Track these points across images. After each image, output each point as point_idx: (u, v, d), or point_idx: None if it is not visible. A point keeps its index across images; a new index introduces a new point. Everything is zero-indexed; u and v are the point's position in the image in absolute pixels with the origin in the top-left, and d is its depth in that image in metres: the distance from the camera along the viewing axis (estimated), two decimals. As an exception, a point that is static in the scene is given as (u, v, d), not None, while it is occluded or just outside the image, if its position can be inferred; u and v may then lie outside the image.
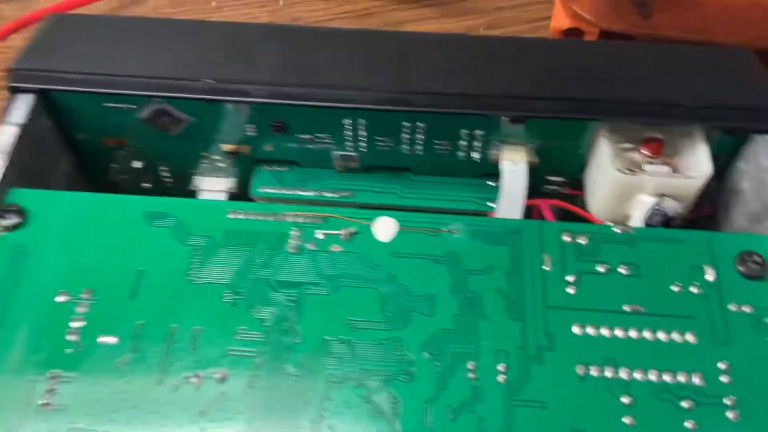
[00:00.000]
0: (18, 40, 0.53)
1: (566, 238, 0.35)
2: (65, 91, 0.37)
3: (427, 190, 0.42)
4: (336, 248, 0.33)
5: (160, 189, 0.43)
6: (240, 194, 0.40)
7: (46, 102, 0.37)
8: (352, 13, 0.60)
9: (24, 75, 0.38)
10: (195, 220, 0.34)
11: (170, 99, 0.36)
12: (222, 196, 0.42)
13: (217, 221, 0.33)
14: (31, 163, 0.36)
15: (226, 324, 0.32)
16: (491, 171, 0.42)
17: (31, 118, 0.37)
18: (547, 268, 0.34)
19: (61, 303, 0.33)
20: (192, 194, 0.43)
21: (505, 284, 0.33)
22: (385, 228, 0.35)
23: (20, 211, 0.35)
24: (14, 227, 0.34)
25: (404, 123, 0.39)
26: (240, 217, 0.34)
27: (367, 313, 0.33)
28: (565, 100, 0.38)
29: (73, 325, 0.32)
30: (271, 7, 0.60)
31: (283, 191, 0.42)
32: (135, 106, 0.37)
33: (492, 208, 0.41)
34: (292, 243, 0.35)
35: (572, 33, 0.57)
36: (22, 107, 0.37)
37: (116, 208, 0.35)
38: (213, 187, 0.42)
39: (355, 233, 0.35)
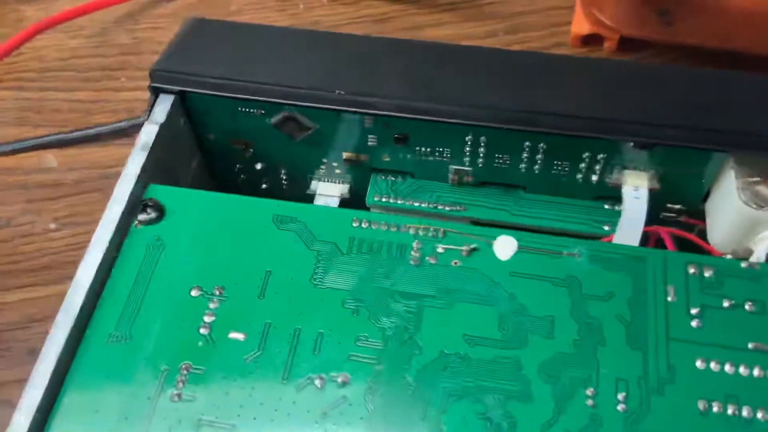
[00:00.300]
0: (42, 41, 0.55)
1: (692, 270, 0.34)
2: (203, 94, 0.38)
3: (541, 209, 0.42)
4: (456, 263, 0.34)
5: (276, 190, 0.45)
6: (352, 200, 0.42)
7: (183, 103, 0.39)
8: (370, 17, 0.59)
9: (165, 76, 0.39)
10: (321, 226, 0.35)
11: (302, 108, 0.37)
12: (335, 201, 0.42)
13: (341, 228, 0.34)
14: (167, 160, 0.38)
15: (348, 330, 0.33)
16: (608, 194, 0.41)
17: (170, 117, 0.38)
18: (671, 299, 0.33)
19: (195, 297, 0.34)
20: (306, 197, 0.44)
21: (626, 312, 0.33)
22: (505, 247, 0.36)
23: (159, 207, 0.36)
24: (153, 221, 0.36)
25: (526, 143, 0.39)
26: (363, 226, 0.35)
27: (485, 330, 0.33)
28: (694, 129, 0.37)
29: (206, 319, 0.34)
30: (291, 11, 0.60)
31: (398, 201, 0.43)
32: (264, 111, 0.39)
33: (607, 231, 0.41)
34: (414, 255, 0.35)
35: (592, 39, 0.56)
36: (162, 107, 0.39)
37: (247, 210, 0.37)
38: (328, 191, 0.43)
39: (475, 250, 0.35)
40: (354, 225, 0.36)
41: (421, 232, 0.36)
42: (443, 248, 0.35)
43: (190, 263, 0.35)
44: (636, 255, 0.35)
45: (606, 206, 0.41)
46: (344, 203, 0.42)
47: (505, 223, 0.42)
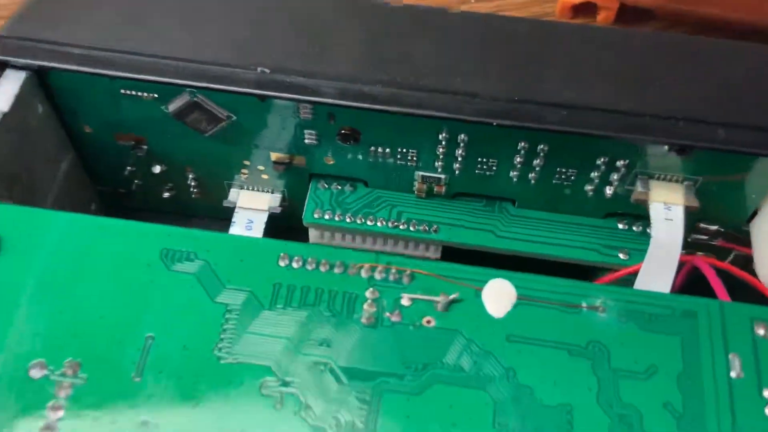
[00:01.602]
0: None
1: (760, 332, 0.24)
2: (69, 70, 0.28)
3: (535, 229, 0.32)
4: (429, 322, 0.23)
5: (183, 201, 0.36)
6: (285, 216, 0.34)
7: (42, 83, 0.29)
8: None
9: (14, 46, 0.28)
10: (232, 265, 0.24)
11: (209, 91, 0.28)
12: (262, 217, 0.34)
13: (262, 269, 0.24)
14: (17, 163, 0.26)
15: (267, 430, 0.22)
16: (623, 210, 0.32)
17: (21, 103, 0.28)
18: (735, 375, 0.23)
19: (36, 380, 0.23)
20: (224, 211, 0.34)
21: (675, 396, 0.23)
22: (499, 296, 0.25)
23: (-12, 239, 0.25)
24: (-22, 261, 0.24)
25: (521, 143, 0.28)
26: (295, 265, 0.24)
27: (475, 428, 0.22)
28: (748, 128, 0.27)
29: (50, 415, 0.22)
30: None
31: (346, 219, 0.32)
32: (158, 95, 0.30)
33: (623, 261, 0.31)
34: (367, 310, 0.24)
35: (584, 8, 0.46)
36: (9, 88, 0.27)
37: (124, 240, 0.25)
38: (251, 203, 0.34)
39: (457, 301, 0.25)
40: (281, 264, 0.25)
41: (377, 275, 0.25)
42: (409, 299, 0.25)
43: (32, 325, 0.23)
44: (683, 310, 0.24)
45: (620, 225, 0.32)
46: (275, 220, 0.34)
47: (487, 248, 0.32)
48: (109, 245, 0.25)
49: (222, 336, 0.24)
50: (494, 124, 0.27)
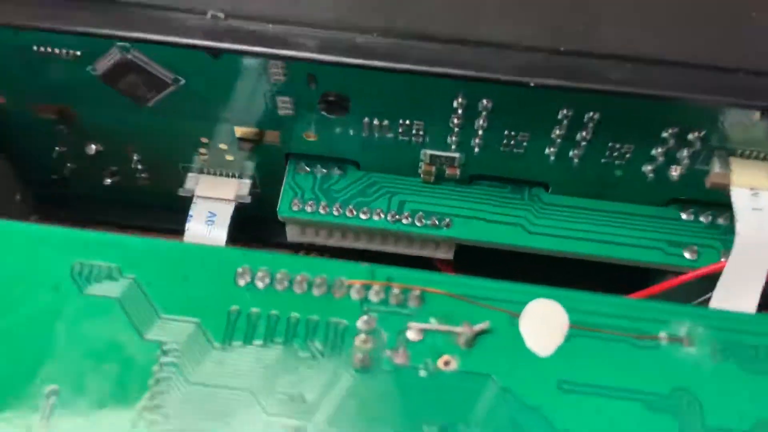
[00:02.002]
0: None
1: None
2: None
3: (575, 222, 0.26)
4: (448, 364, 0.16)
5: (130, 189, 0.30)
6: (256, 206, 0.28)
7: None
8: None
9: None
10: (171, 284, 0.17)
11: (144, 44, 0.22)
12: (227, 208, 0.28)
13: (214, 291, 0.17)
14: None
15: None
16: (690, 197, 0.26)
17: None
18: None
19: None
20: (179, 202, 0.28)
21: (800, 470, 0.16)
22: (544, 324, 0.18)
23: None
24: None
25: (564, 110, 0.21)
26: (259, 285, 0.17)
27: None
28: None
29: None
30: None
31: (333, 211, 0.25)
32: (81, 52, 0.23)
33: (688, 262, 0.25)
34: (360, 348, 0.17)
35: None
36: None
37: (21, 252, 0.18)
38: (214, 192, 0.28)
39: (486, 333, 0.18)
40: (240, 283, 0.18)
41: (373, 296, 0.18)
42: (419, 331, 0.18)
43: None
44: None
45: (684, 216, 0.26)
46: (244, 212, 0.28)
47: (514, 247, 0.26)
48: (1, 258, 0.18)
49: (154, 389, 0.17)
50: (531, 84, 0.20)
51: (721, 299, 0.22)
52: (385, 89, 0.23)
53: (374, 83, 0.23)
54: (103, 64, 0.23)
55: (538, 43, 0.21)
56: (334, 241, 0.27)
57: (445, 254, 0.27)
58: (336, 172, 0.27)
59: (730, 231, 0.24)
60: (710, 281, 0.24)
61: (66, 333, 0.18)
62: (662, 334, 0.18)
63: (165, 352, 0.17)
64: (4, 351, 0.17)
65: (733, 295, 0.22)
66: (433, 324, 0.18)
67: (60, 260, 0.18)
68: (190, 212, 0.28)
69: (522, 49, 0.21)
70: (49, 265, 0.18)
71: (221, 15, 0.22)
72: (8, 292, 0.18)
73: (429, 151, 0.25)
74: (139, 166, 0.28)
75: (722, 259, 0.24)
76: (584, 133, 0.23)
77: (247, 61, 0.23)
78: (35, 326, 0.18)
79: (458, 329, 0.18)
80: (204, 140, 0.27)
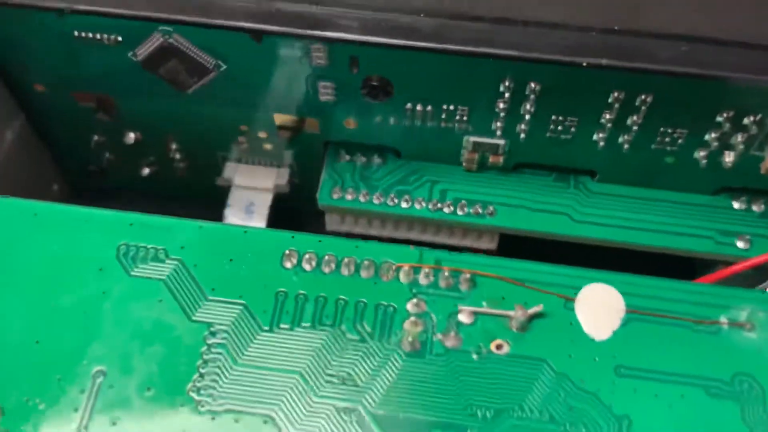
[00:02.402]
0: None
1: None
2: (6, 4, 0.22)
3: (622, 211, 0.25)
4: (501, 347, 0.16)
5: (168, 180, 0.29)
6: (294, 196, 0.28)
7: None
8: None
9: None
10: (217, 267, 0.17)
11: (187, 26, 0.22)
12: (266, 198, 0.28)
13: (261, 273, 0.16)
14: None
15: None
16: (742, 185, 0.25)
17: None
18: None
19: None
20: (219, 191, 0.28)
21: None
22: (601, 308, 0.17)
23: None
24: None
25: (616, 92, 0.21)
26: (306, 267, 0.16)
27: (572, 505, 0.15)
28: None
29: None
30: None
31: (373, 199, 0.25)
32: (123, 37, 0.23)
33: (741, 251, 0.24)
34: (410, 331, 0.17)
35: None
36: None
37: (67, 234, 0.18)
38: (252, 181, 0.28)
39: (540, 316, 0.17)
40: (287, 265, 0.18)
41: (423, 279, 0.18)
42: (470, 314, 0.17)
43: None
44: None
45: (735, 205, 0.26)
46: (282, 202, 0.28)
47: (560, 236, 0.25)
48: (46, 242, 0.18)
49: (202, 371, 0.17)
50: (584, 65, 0.20)
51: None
52: (430, 72, 0.22)
53: (418, 66, 0.22)
54: (145, 50, 0.23)
55: (589, 22, 0.21)
56: (374, 231, 0.27)
57: (489, 244, 0.27)
58: (376, 160, 0.27)
59: (783, 220, 0.23)
60: (765, 272, 0.23)
61: (113, 314, 0.17)
62: (723, 319, 0.17)
63: (213, 334, 0.17)
64: (51, 332, 0.17)
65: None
66: (485, 308, 0.18)
67: (106, 242, 0.18)
68: (228, 201, 0.28)
69: (572, 29, 0.20)
70: (95, 247, 0.18)
71: (266, -3, 0.22)
72: (55, 274, 0.18)
73: (472, 138, 0.25)
74: (178, 156, 0.28)
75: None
76: (635, 117, 0.23)
77: (290, 44, 0.22)
78: (82, 308, 0.17)
79: (511, 313, 0.17)
80: (243, 128, 0.26)
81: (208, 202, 0.30)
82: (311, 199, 0.27)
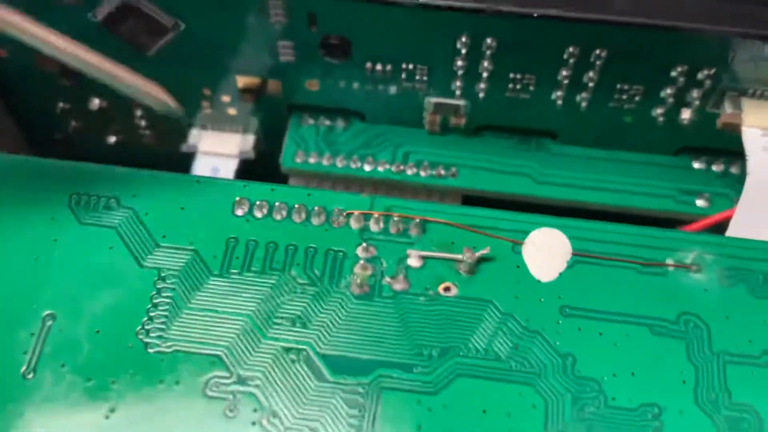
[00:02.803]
0: None
1: None
2: None
3: (584, 172, 0.25)
4: (448, 290, 0.16)
5: (134, 148, 0.29)
6: (260, 162, 0.27)
7: None
8: None
9: None
10: (168, 214, 0.17)
11: None
12: (231, 164, 0.27)
13: (211, 220, 0.16)
14: None
15: (216, 450, 0.15)
16: (701, 144, 0.25)
17: None
18: None
19: None
20: (183, 158, 0.28)
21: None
22: (547, 251, 0.18)
23: None
24: None
25: (571, 47, 0.21)
26: (257, 214, 0.16)
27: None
28: None
29: None
30: None
31: (336, 163, 0.25)
32: None
33: (701, 210, 0.24)
34: (359, 275, 0.17)
35: None
36: None
37: (19, 184, 0.18)
38: (217, 147, 0.28)
39: (487, 259, 0.17)
40: (238, 213, 0.18)
41: (373, 226, 0.18)
42: (419, 258, 0.17)
43: None
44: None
45: (696, 165, 0.26)
46: (247, 167, 0.27)
47: (522, 197, 0.25)
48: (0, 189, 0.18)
49: (151, 314, 0.17)
50: (534, 15, 0.20)
51: (735, 234, 0.21)
52: (387, 29, 0.22)
53: (376, 22, 0.22)
54: (104, 9, 0.23)
55: (542, -27, 0.21)
56: (338, 194, 0.27)
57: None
58: (340, 124, 0.27)
59: (743, 180, 0.23)
60: (722, 230, 0.23)
61: (63, 261, 0.17)
62: (669, 261, 0.18)
63: (162, 278, 0.17)
64: (2, 277, 0.17)
65: (747, 231, 0.21)
66: (433, 252, 0.18)
67: (58, 191, 0.18)
68: (194, 168, 0.28)
69: (524, -19, 0.21)
70: (47, 196, 0.18)
71: (222, -48, 0.22)
72: (6, 222, 0.18)
73: (433, 99, 0.25)
74: (143, 123, 0.28)
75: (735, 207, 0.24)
76: (591, 74, 0.23)
77: (248, 1, 0.23)
78: (33, 254, 0.18)
79: (459, 256, 0.17)
80: (206, 92, 0.26)
81: (176, 170, 0.30)
82: (277, 165, 0.27)
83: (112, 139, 0.29)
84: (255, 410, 0.16)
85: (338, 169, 0.26)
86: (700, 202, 0.25)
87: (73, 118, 0.28)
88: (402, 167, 0.25)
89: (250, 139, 0.28)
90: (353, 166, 0.26)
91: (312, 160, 0.26)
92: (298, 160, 0.26)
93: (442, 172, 0.25)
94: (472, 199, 0.26)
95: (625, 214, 0.25)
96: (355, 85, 0.25)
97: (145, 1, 0.22)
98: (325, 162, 0.26)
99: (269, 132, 0.27)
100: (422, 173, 0.25)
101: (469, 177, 0.25)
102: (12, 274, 0.17)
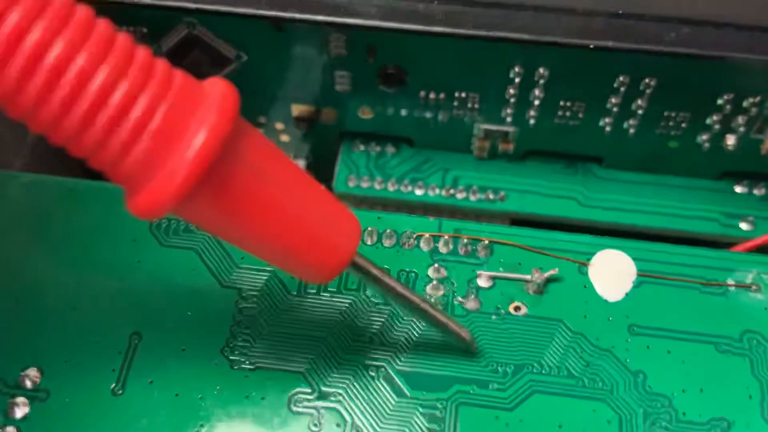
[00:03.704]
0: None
1: None
2: None
3: (629, 195, 0.26)
4: (518, 309, 0.16)
5: None
6: None
7: None
8: None
9: None
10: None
11: (206, 16, 0.23)
12: None
13: None
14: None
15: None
16: (743, 168, 0.26)
17: None
18: None
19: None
20: None
21: None
22: (613, 272, 0.18)
23: None
24: None
25: (621, 76, 0.22)
26: None
27: (591, 454, 0.16)
28: None
29: (-7, 448, 0.16)
30: None
31: (387, 187, 0.26)
32: (149, 28, 0.24)
33: (745, 233, 0.25)
34: (432, 295, 0.18)
35: None
36: None
37: (102, 208, 0.19)
38: None
39: (555, 280, 0.18)
40: None
41: (443, 247, 0.18)
42: (489, 278, 0.18)
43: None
44: None
45: (738, 189, 0.27)
46: None
47: (569, 220, 0.26)
48: (83, 215, 0.19)
49: (233, 331, 0.17)
50: (590, 47, 0.21)
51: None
52: (442, 59, 0.23)
53: (432, 52, 0.23)
54: (170, 40, 0.24)
55: (596, 6, 0.22)
56: (389, 218, 0.28)
57: (499, 230, 0.28)
58: (390, 149, 0.27)
59: (785, 203, 0.24)
60: None
61: (148, 281, 0.18)
62: (730, 281, 0.18)
63: (243, 298, 0.18)
64: (89, 298, 0.18)
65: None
66: (502, 272, 0.18)
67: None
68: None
69: (579, 13, 0.22)
70: (129, 219, 0.19)
71: (288, -12, 0.23)
72: (91, 246, 0.19)
73: (483, 125, 0.26)
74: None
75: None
76: (640, 102, 0.24)
77: (308, 33, 0.23)
78: (119, 275, 0.18)
79: (527, 276, 0.18)
80: (261, 120, 0.27)
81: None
82: (329, 189, 0.27)
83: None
84: (338, 425, 0.16)
85: (390, 193, 0.26)
86: (743, 225, 0.25)
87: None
88: (452, 191, 0.26)
89: (301, 165, 0.28)
90: (404, 190, 0.26)
91: (364, 185, 0.26)
92: (351, 184, 0.26)
93: (491, 196, 0.26)
94: (519, 222, 0.26)
95: (670, 236, 0.26)
96: (407, 112, 0.26)
97: (210, 32, 0.23)
98: (376, 186, 0.26)
99: (320, 157, 0.28)
100: (471, 197, 0.26)
101: (517, 201, 0.26)
102: (100, 295, 0.18)
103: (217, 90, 0.14)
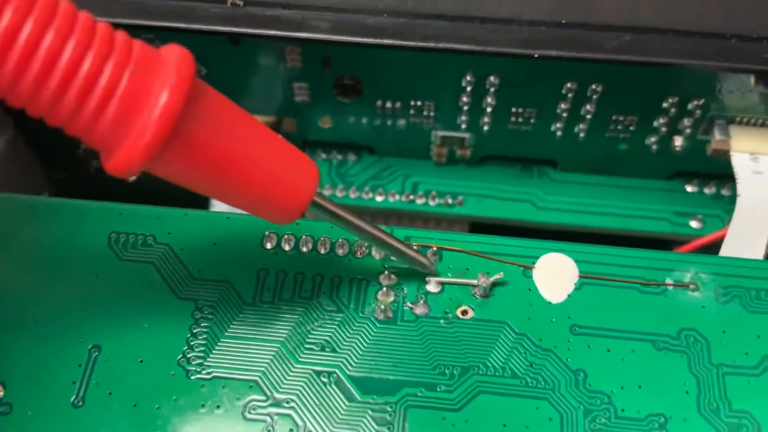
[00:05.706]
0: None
1: None
2: None
3: (583, 197, 0.27)
4: (465, 313, 0.17)
5: (153, 186, 0.28)
6: None
7: None
8: None
9: None
10: (202, 249, 0.18)
11: (167, 33, 0.23)
12: None
13: (242, 254, 0.18)
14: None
15: (257, 467, 0.16)
16: (692, 168, 0.27)
17: None
18: None
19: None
20: (202, 198, 0.26)
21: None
22: (556, 274, 0.19)
23: None
24: None
25: (569, 83, 0.23)
26: (286, 247, 0.18)
27: (534, 451, 0.16)
28: None
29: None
30: None
31: (349, 194, 0.26)
32: None
33: (695, 231, 0.25)
34: (382, 301, 0.18)
35: None
36: None
37: (61, 224, 0.20)
38: None
39: (500, 284, 0.19)
40: (267, 246, 0.19)
41: (393, 255, 0.19)
42: (437, 284, 0.18)
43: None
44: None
45: (688, 188, 0.27)
46: None
47: (525, 223, 0.27)
48: (43, 231, 0.19)
49: (190, 342, 0.18)
50: (535, 56, 0.21)
51: (728, 253, 0.23)
52: (396, 69, 0.24)
53: (385, 63, 0.24)
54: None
55: (541, 17, 0.22)
56: (352, 224, 0.29)
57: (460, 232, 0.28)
58: (351, 157, 0.28)
59: (733, 201, 0.25)
60: (716, 249, 0.25)
61: (106, 295, 0.19)
62: (668, 281, 0.19)
63: (199, 309, 0.18)
64: (48, 312, 0.18)
65: (739, 252, 0.23)
66: (450, 278, 0.19)
67: (98, 230, 0.19)
68: (211, 204, 0.29)
69: (525, 24, 0.22)
70: (88, 234, 0.19)
71: (240, 3, 0.23)
72: (50, 261, 0.19)
73: (440, 133, 0.26)
74: (163, 161, 0.29)
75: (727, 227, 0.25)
76: (589, 106, 0.24)
77: (265, 47, 0.24)
78: (77, 289, 0.19)
79: (474, 281, 0.19)
80: (224, 131, 0.28)
81: (193, 206, 0.31)
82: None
83: (132, 177, 0.30)
84: (291, 430, 0.17)
85: (351, 200, 0.27)
86: (694, 224, 0.26)
87: (94, 157, 0.29)
88: (412, 197, 0.27)
89: (265, 174, 0.29)
90: (365, 197, 0.27)
91: (326, 193, 0.27)
92: (313, 193, 0.27)
93: (450, 200, 0.27)
94: (478, 226, 0.27)
95: (623, 236, 0.26)
96: (366, 121, 0.26)
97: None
98: (338, 194, 0.27)
99: (284, 166, 0.29)
100: (431, 202, 0.27)
101: (475, 205, 0.27)
102: (60, 309, 0.18)
103: (175, 54, 0.15)
